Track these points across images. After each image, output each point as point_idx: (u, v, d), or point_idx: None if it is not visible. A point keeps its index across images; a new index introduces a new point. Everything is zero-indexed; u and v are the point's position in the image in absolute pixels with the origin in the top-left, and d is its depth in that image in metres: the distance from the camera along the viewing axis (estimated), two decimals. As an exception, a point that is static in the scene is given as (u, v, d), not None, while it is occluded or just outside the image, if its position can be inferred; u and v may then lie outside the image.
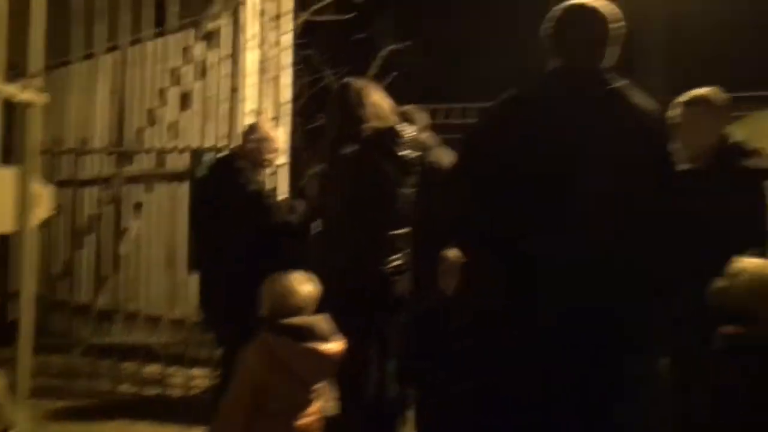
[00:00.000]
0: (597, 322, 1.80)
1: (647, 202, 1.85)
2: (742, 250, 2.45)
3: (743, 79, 8.92)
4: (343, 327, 2.60)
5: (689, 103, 2.96)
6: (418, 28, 9.20)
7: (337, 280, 2.78)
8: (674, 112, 2.96)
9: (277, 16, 5.31)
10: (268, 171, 4.44)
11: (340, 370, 2.71)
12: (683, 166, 2.92)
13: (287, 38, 5.47)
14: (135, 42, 5.48)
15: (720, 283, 2.36)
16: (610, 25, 2.13)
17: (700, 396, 2.36)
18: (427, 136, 3.12)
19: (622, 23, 2.16)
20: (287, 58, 5.45)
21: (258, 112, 5.04)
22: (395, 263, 2.84)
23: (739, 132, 4.56)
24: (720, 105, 2.98)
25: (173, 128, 5.40)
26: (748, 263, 2.36)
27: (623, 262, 1.82)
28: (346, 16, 7.58)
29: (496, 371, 1.91)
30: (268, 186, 4.57)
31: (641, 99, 2.00)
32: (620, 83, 2.05)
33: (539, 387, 1.84)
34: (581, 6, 2.15)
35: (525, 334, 1.84)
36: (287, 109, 5.38)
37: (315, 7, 7.40)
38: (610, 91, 1.99)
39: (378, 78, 6.31)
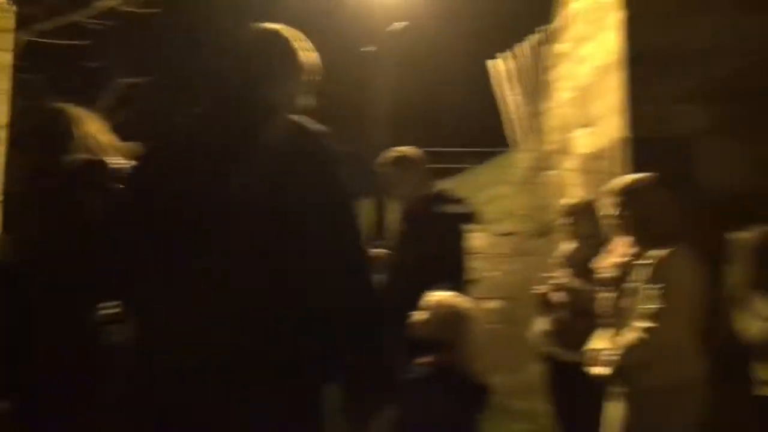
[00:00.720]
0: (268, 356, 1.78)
1: (327, 240, 1.86)
2: (441, 285, 2.73)
3: (464, 137, 10.03)
4: (47, 380, 2.34)
5: (391, 161, 3.31)
6: (161, 63, 8.92)
7: (41, 326, 2.51)
8: (383, 169, 3.28)
9: (-9, 32, 4.79)
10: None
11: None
12: (394, 214, 3.22)
13: (5, 57, 4.96)
14: None
15: (417, 315, 2.62)
16: (287, 54, 2.00)
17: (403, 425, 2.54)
18: None
19: (304, 52, 2.02)
20: (3, 80, 4.94)
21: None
22: (109, 310, 2.60)
23: (456, 183, 5.11)
24: (417, 160, 3.35)
25: None
26: (441, 296, 2.65)
27: (301, 293, 1.81)
28: (79, 42, 7.07)
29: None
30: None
31: (314, 126, 1.93)
32: (292, 115, 1.96)
33: None
34: (262, 31, 2.02)
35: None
36: (1, 136, 4.84)
37: (41, 27, 6.79)
38: (277, 122, 1.90)
39: (111, 112, 5.97)
